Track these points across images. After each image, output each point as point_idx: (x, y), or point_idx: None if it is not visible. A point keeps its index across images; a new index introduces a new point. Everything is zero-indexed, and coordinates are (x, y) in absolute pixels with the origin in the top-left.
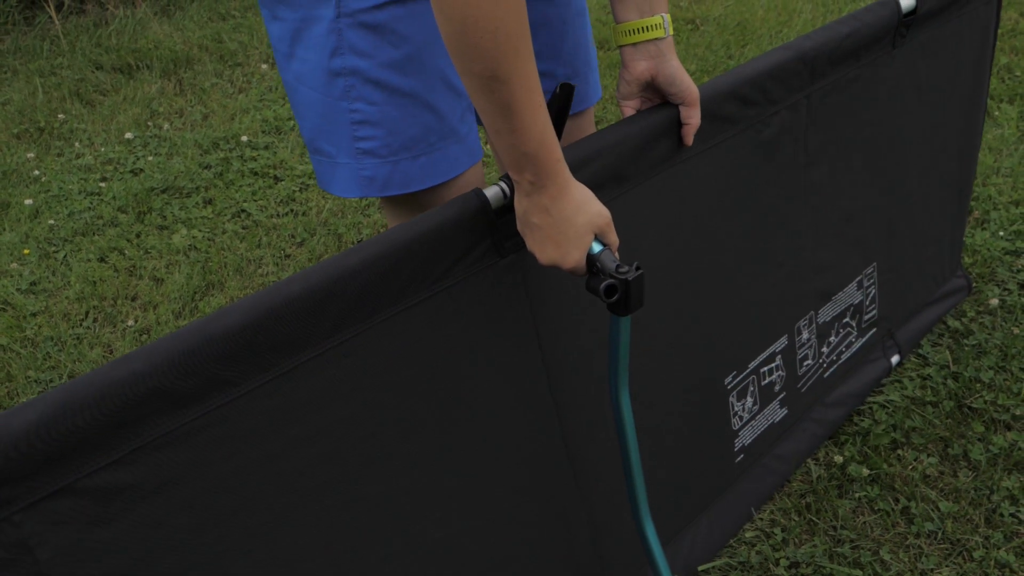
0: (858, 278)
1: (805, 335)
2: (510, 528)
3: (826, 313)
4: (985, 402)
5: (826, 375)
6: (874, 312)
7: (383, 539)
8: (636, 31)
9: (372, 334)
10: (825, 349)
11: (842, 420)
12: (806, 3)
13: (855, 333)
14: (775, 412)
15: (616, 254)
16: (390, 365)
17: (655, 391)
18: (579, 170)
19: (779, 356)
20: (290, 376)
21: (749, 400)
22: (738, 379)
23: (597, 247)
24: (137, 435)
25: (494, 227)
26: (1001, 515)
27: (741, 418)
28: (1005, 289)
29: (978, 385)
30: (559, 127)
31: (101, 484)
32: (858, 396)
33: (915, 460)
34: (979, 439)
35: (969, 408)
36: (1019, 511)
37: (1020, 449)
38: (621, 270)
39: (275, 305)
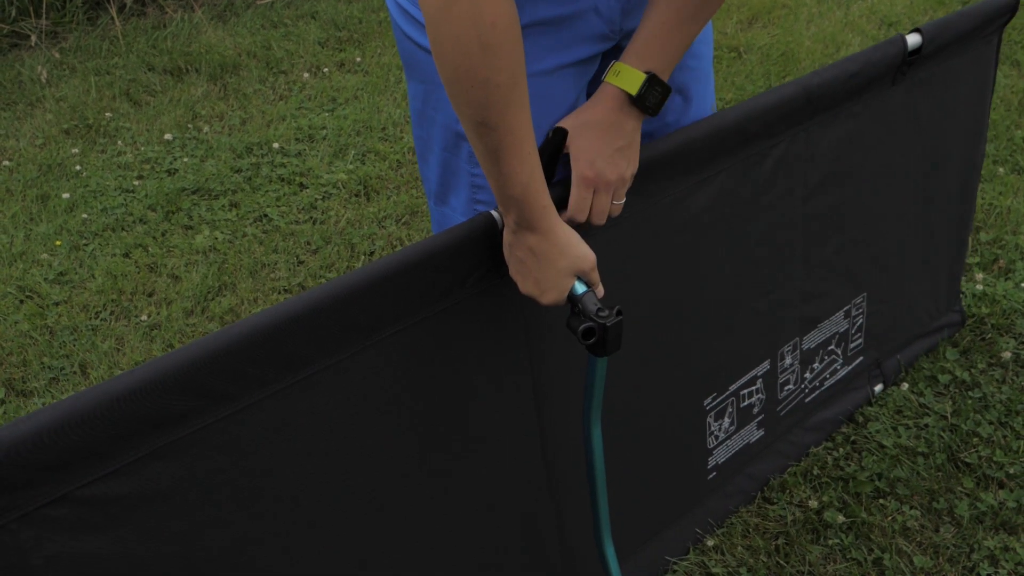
0: (846, 307)
1: (788, 360)
2: (486, 529)
3: (811, 340)
4: (979, 457)
5: (807, 400)
6: (860, 341)
7: (370, 545)
8: (612, 72)
9: (371, 352)
10: (808, 375)
11: (817, 444)
12: (855, 35)
13: (840, 360)
14: (751, 433)
15: (598, 297)
16: (386, 382)
17: (633, 408)
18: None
19: (760, 380)
20: (286, 393)
21: (726, 421)
22: (717, 400)
23: (581, 288)
24: (135, 447)
25: (498, 246)
26: (978, 575)
27: (717, 437)
28: (1022, 343)
29: (975, 439)
30: (551, 171)
31: (98, 494)
32: (836, 423)
33: (896, 511)
34: (967, 495)
35: (962, 462)
36: (997, 573)
37: (1008, 508)
38: (601, 314)
39: (277, 324)
